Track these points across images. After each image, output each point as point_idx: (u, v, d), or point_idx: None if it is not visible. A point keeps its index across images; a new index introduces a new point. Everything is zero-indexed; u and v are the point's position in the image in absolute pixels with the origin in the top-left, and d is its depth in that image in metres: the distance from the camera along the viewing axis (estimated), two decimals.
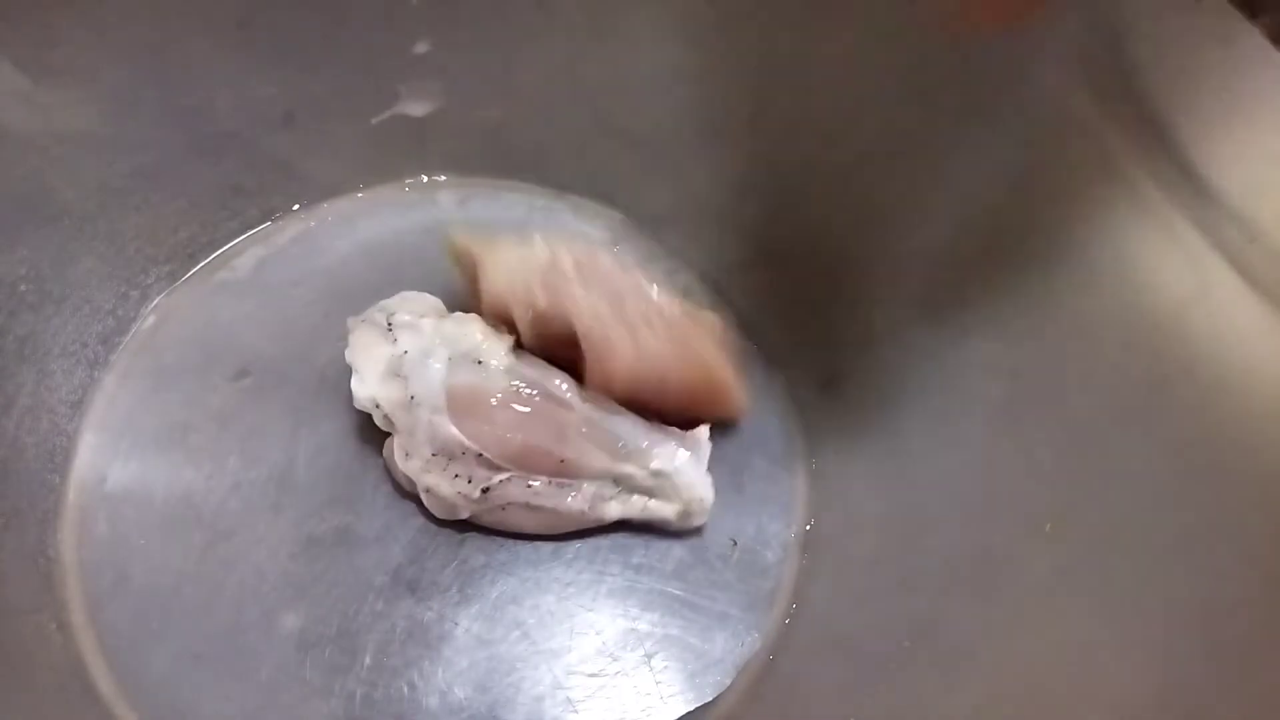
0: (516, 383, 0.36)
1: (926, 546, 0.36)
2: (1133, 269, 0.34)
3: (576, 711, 0.35)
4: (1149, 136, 0.33)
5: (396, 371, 0.36)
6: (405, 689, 0.35)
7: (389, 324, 0.37)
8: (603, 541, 0.38)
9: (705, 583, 0.38)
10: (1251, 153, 0.31)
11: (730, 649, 0.37)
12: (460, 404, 0.35)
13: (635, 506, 0.37)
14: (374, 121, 0.44)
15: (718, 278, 0.44)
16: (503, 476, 0.35)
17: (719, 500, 0.38)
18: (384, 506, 0.38)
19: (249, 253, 0.43)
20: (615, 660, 0.36)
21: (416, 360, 0.36)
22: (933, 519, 0.37)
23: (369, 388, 0.36)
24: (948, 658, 0.34)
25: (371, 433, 0.39)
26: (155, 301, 0.42)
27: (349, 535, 0.37)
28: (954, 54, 0.37)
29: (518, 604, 0.37)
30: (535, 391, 0.36)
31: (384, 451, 0.38)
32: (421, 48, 0.42)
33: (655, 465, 0.36)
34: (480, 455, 0.35)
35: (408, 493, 0.37)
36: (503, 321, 0.38)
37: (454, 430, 0.35)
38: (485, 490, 0.35)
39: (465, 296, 0.40)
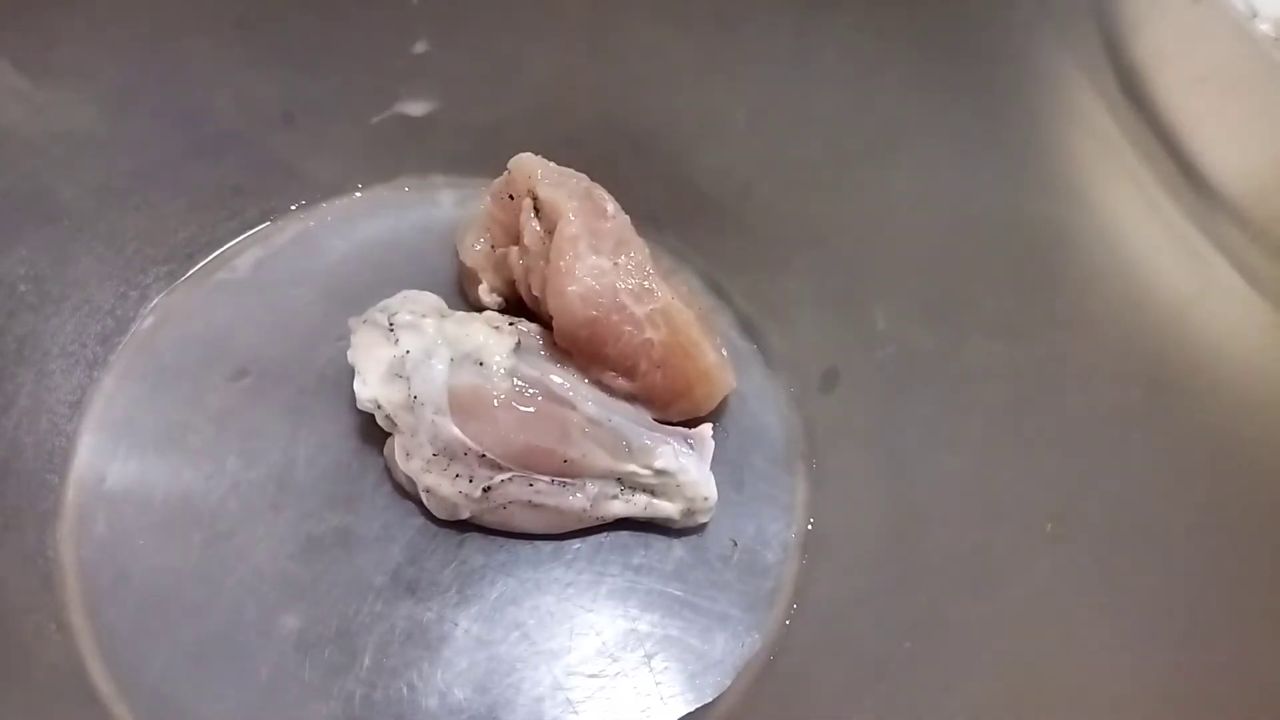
0: (519, 383, 0.36)
1: (926, 546, 0.36)
2: (1133, 269, 0.34)
3: (576, 712, 0.35)
4: (1149, 136, 0.33)
5: (398, 372, 0.36)
6: (405, 690, 0.35)
7: (390, 324, 0.36)
8: (603, 541, 0.38)
9: (705, 583, 0.38)
10: (1251, 153, 0.31)
11: (730, 649, 0.37)
12: (462, 405, 0.35)
13: (638, 505, 0.37)
14: (373, 121, 0.44)
15: (718, 278, 0.44)
16: (504, 476, 0.35)
17: (719, 500, 0.38)
18: (383, 507, 0.38)
19: (248, 253, 0.43)
20: (615, 661, 0.36)
21: (418, 361, 0.36)
22: (933, 519, 0.37)
23: (371, 389, 0.36)
24: (948, 658, 0.34)
25: (371, 433, 0.39)
26: (154, 302, 0.42)
27: (348, 535, 0.37)
28: (955, 54, 0.37)
29: (517, 605, 0.37)
30: (537, 391, 0.36)
31: (385, 451, 0.38)
32: (421, 48, 0.42)
33: (659, 464, 0.36)
34: (483, 456, 0.35)
35: (408, 493, 0.37)
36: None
37: (456, 431, 0.35)
38: (486, 489, 0.35)
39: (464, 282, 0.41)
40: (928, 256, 0.39)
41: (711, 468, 0.38)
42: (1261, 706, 0.28)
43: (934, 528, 0.36)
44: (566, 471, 0.36)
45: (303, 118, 0.43)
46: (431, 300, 0.38)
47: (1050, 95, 0.35)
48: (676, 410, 0.39)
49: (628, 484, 0.37)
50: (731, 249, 0.44)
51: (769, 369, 0.43)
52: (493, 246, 0.40)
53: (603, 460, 0.36)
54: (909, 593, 0.36)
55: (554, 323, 0.36)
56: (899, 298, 0.40)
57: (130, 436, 0.39)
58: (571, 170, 0.39)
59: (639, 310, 0.36)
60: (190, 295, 0.42)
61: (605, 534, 0.38)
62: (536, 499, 0.36)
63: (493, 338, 0.37)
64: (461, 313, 0.38)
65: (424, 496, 0.36)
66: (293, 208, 0.44)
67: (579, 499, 0.36)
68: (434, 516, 0.37)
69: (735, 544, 0.39)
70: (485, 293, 0.40)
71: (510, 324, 0.38)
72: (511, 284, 0.40)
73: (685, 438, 0.38)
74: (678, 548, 0.38)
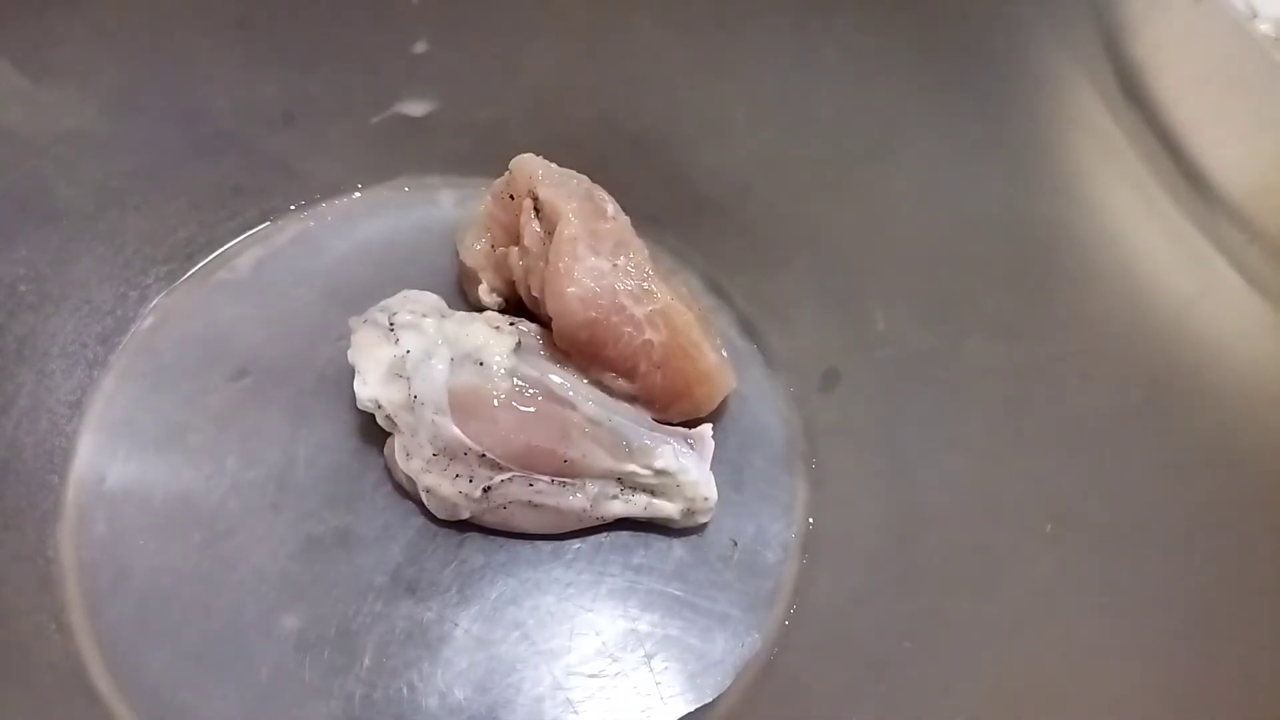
0: (519, 383, 0.36)
1: (926, 546, 0.36)
2: (1133, 269, 0.34)
3: (576, 712, 0.35)
4: (1149, 136, 0.33)
5: (399, 372, 0.36)
6: (404, 690, 0.35)
7: (391, 324, 0.36)
8: (603, 541, 0.38)
9: (705, 583, 0.38)
10: (1251, 153, 0.31)
11: (730, 649, 0.37)
12: (463, 404, 0.35)
13: (638, 505, 0.37)
14: (373, 121, 0.44)
15: (718, 278, 0.44)
16: (504, 476, 0.35)
17: (719, 500, 0.38)
18: (383, 507, 0.38)
19: (248, 253, 0.43)
20: (615, 661, 0.36)
21: (419, 361, 0.36)
22: (933, 519, 0.37)
23: (371, 388, 0.36)
24: (948, 658, 0.34)
25: (371, 433, 0.39)
26: (154, 302, 0.42)
27: (348, 536, 0.37)
28: (955, 54, 0.37)
29: (517, 605, 0.37)
30: (538, 391, 0.36)
31: (385, 451, 0.38)
32: (421, 47, 0.42)
33: (659, 464, 0.36)
34: (483, 455, 0.35)
35: (408, 493, 0.37)
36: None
37: (456, 431, 0.35)
38: (486, 489, 0.35)
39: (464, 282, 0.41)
40: (928, 256, 0.39)
41: (711, 468, 0.38)
42: (1262, 707, 0.28)
43: (934, 528, 0.36)
44: (567, 471, 0.36)
45: (303, 118, 0.43)
46: (432, 300, 0.38)
47: (1050, 95, 0.35)
48: (676, 411, 0.39)
49: (628, 484, 0.37)
50: (731, 249, 0.44)
51: (769, 369, 0.43)
52: (493, 246, 0.40)
53: (603, 460, 0.36)
54: (909, 593, 0.36)
55: (554, 324, 0.36)
56: (899, 298, 0.40)
57: (130, 436, 0.39)
58: (572, 171, 0.39)
59: (639, 311, 0.36)
60: (190, 295, 0.42)
61: (605, 534, 0.38)
62: (537, 499, 0.36)
63: (493, 338, 0.37)
64: (462, 313, 0.38)
65: (424, 496, 0.36)
66: (292, 208, 0.44)
67: (579, 499, 0.36)
68: (434, 516, 0.37)
69: (735, 544, 0.39)
70: (485, 293, 0.40)
71: (510, 324, 0.38)
72: (511, 284, 0.40)
73: (685, 438, 0.38)
74: (678, 548, 0.38)
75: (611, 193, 0.39)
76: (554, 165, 0.38)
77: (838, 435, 0.40)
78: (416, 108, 0.44)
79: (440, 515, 0.37)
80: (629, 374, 0.37)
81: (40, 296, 0.38)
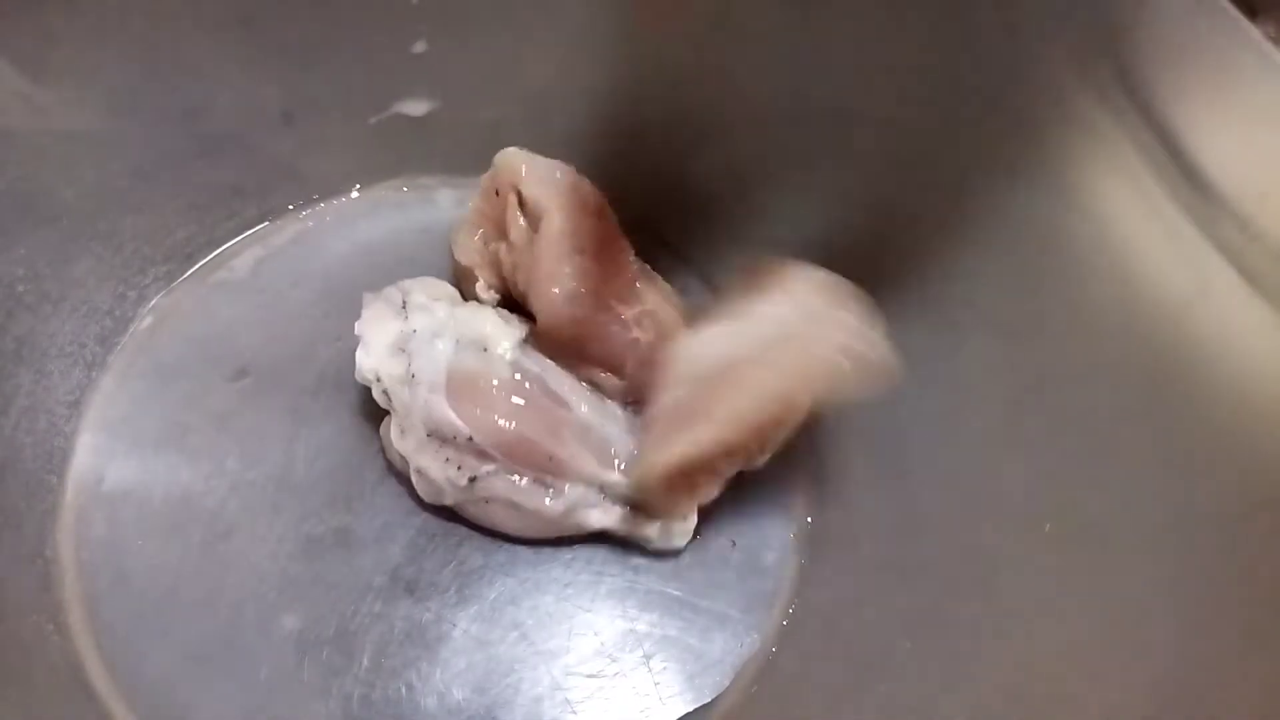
0: (518, 375, 0.36)
1: (926, 546, 0.36)
2: (1133, 269, 0.34)
3: (575, 712, 0.35)
4: (1149, 136, 0.33)
5: (402, 347, 0.36)
6: (403, 690, 0.35)
7: (404, 302, 0.37)
8: (601, 542, 0.38)
9: (704, 583, 0.38)
10: (1251, 153, 0.31)
11: (729, 649, 0.37)
12: (459, 387, 0.35)
13: (616, 518, 0.37)
14: (372, 121, 0.44)
15: (718, 278, 0.44)
16: (491, 468, 0.35)
17: (718, 500, 0.38)
18: (383, 507, 0.38)
19: (247, 253, 0.43)
20: (614, 661, 0.36)
21: (424, 339, 0.36)
22: (933, 519, 0.36)
23: (373, 359, 0.36)
24: (948, 658, 0.34)
25: (370, 433, 0.39)
26: (153, 302, 0.42)
27: (348, 536, 0.37)
28: (954, 53, 0.37)
29: (516, 605, 0.37)
30: (536, 386, 0.36)
31: (380, 430, 0.38)
32: (420, 47, 0.42)
33: None
34: (471, 440, 0.35)
35: (399, 472, 0.37)
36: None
37: (448, 411, 0.35)
38: (473, 479, 0.35)
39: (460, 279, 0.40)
40: (927, 256, 0.39)
41: None
42: (1261, 707, 0.27)
43: (934, 528, 0.36)
44: (551, 469, 0.36)
45: (302, 118, 0.43)
46: (448, 289, 0.39)
47: (1050, 94, 0.35)
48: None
49: (609, 494, 0.36)
50: (730, 249, 0.44)
51: None
52: (486, 243, 0.40)
53: (587, 464, 0.36)
54: (909, 593, 0.36)
55: (538, 322, 0.36)
56: (899, 297, 0.40)
57: (129, 437, 0.39)
58: (559, 162, 0.38)
59: (625, 311, 0.36)
60: (189, 295, 0.42)
61: (600, 537, 0.38)
62: (517, 498, 0.36)
63: (501, 328, 0.37)
64: (475, 303, 0.39)
65: (414, 477, 0.36)
66: (291, 208, 0.44)
67: (557, 503, 0.36)
68: (432, 513, 0.37)
69: (734, 544, 0.39)
70: (483, 289, 0.40)
71: (520, 321, 0.38)
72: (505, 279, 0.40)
73: None
74: None
75: (611, 193, 0.39)
76: (539, 157, 0.38)
77: (838, 435, 0.40)
78: (416, 108, 0.44)
79: (426, 498, 0.37)
80: (616, 371, 0.37)
81: (39, 296, 0.38)
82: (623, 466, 0.36)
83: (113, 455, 0.38)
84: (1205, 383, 0.32)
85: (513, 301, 0.40)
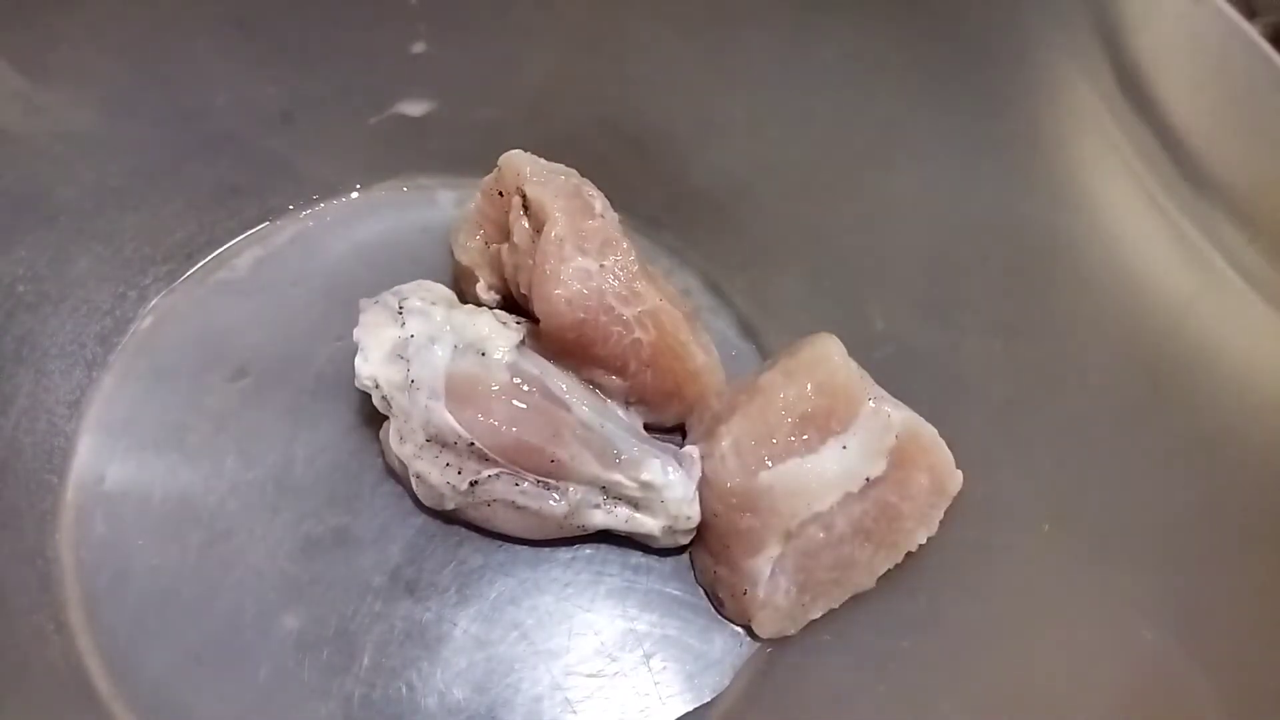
0: (517, 378, 0.36)
1: (926, 546, 0.36)
2: (1132, 268, 0.34)
3: (575, 712, 0.35)
4: (1149, 136, 0.33)
5: (400, 353, 0.36)
6: (403, 690, 0.35)
7: (400, 308, 0.37)
8: (602, 542, 0.38)
9: None
10: (1251, 153, 0.31)
11: (729, 649, 0.37)
12: (458, 392, 0.35)
13: (620, 518, 0.36)
14: (372, 121, 0.44)
15: (716, 278, 0.44)
16: (492, 471, 0.35)
17: None
18: (382, 507, 0.38)
19: (247, 253, 0.43)
20: (614, 661, 0.36)
21: (421, 345, 0.36)
22: None
23: (372, 366, 0.36)
24: (947, 658, 0.34)
25: (370, 433, 0.39)
26: (153, 302, 0.42)
27: (347, 536, 0.37)
28: (954, 53, 0.37)
29: (516, 605, 0.37)
30: (535, 389, 0.36)
31: (380, 434, 0.38)
32: (419, 48, 0.42)
33: (645, 477, 0.36)
34: (472, 445, 0.35)
35: (399, 477, 0.37)
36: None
37: (448, 417, 0.35)
38: (473, 483, 0.35)
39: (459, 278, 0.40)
40: (927, 256, 0.39)
41: None
42: (1261, 706, 0.27)
43: None
44: (554, 472, 0.36)
45: (302, 118, 0.43)
46: (444, 291, 0.39)
47: (1049, 95, 0.35)
48: (672, 413, 0.39)
49: (612, 494, 0.36)
50: (730, 249, 0.44)
51: None
52: (486, 244, 0.40)
53: (590, 465, 0.36)
54: (909, 592, 0.36)
55: (541, 325, 0.36)
56: (898, 298, 0.40)
57: (129, 437, 0.39)
58: (561, 166, 0.38)
59: (627, 312, 0.36)
60: (189, 295, 0.42)
61: (601, 537, 0.38)
62: (520, 499, 0.36)
63: (499, 331, 0.37)
64: (472, 305, 0.39)
65: (413, 482, 0.36)
66: (291, 208, 0.44)
67: (561, 505, 0.36)
68: (431, 514, 0.37)
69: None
70: (483, 290, 0.40)
71: (518, 322, 0.38)
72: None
73: (675, 455, 0.37)
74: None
75: (610, 193, 0.39)
76: (543, 161, 0.38)
77: None
78: (415, 108, 0.44)
79: (426, 503, 0.37)
80: (620, 372, 0.37)
81: (39, 296, 0.38)
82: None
83: (113, 455, 0.38)
84: (1205, 382, 0.32)
85: (513, 302, 0.40)
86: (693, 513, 0.36)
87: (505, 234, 0.38)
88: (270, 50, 0.41)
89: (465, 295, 0.41)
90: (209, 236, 0.43)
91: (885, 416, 0.35)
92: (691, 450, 0.37)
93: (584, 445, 0.36)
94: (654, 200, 0.44)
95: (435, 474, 0.35)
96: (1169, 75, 0.32)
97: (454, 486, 0.35)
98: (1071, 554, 0.33)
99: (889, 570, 0.36)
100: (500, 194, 0.39)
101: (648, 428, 0.39)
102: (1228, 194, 0.31)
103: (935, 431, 0.35)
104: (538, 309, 0.36)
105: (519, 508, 0.36)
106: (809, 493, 0.34)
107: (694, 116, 0.43)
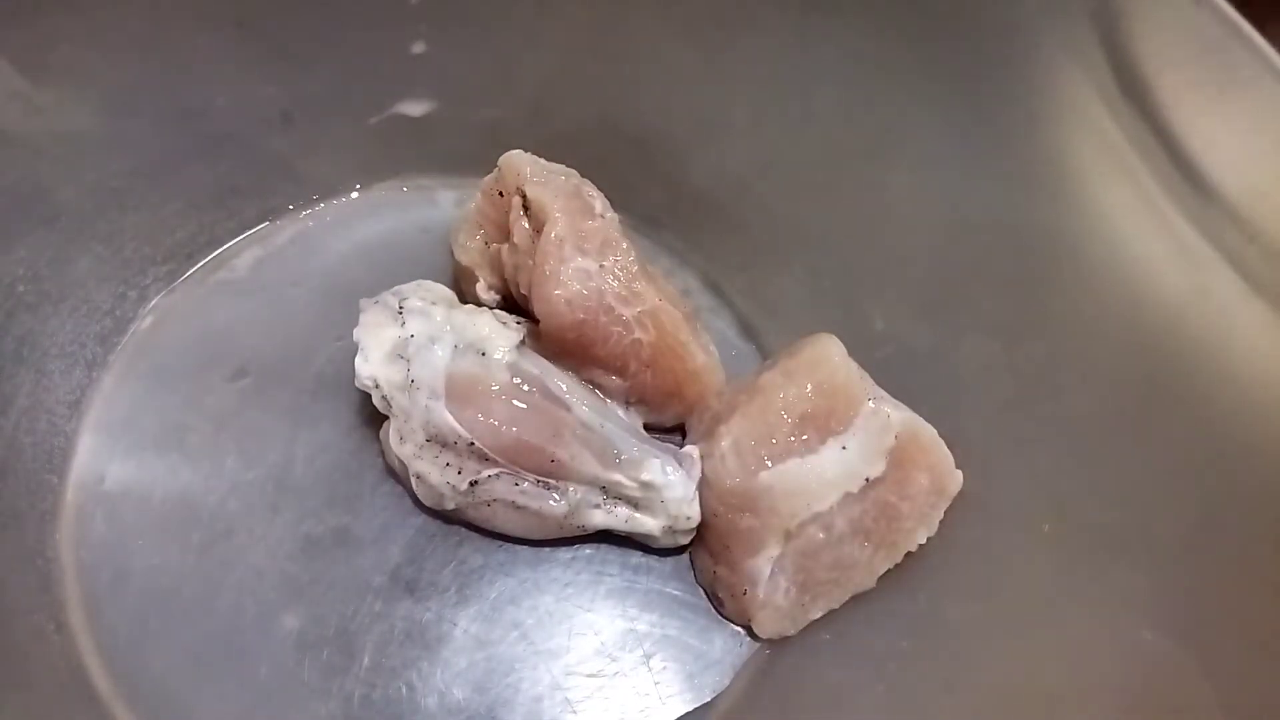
0: (517, 378, 0.36)
1: (926, 546, 0.36)
2: (1131, 268, 0.34)
3: (575, 712, 0.35)
4: (1148, 136, 0.33)
5: (400, 353, 0.36)
6: (404, 690, 0.35)
7: (400, 308, 0.37)
8: (602, 542, 0.38)
9: None
10: (1250, 153, 0.31)
11: (729, 649, 0.37)
12: (458, 392, 0.35)
13: (620, 518, 0.37)
14: (372, 122, 0.44)
15: (717, 278, 0.44)
16: (492, 471, 0.35)
17: None
18: (382, 507, 0.38)
19: (247, 253, 0.43)
20: (614, 661, 0.36)
21: (421, 345, 0.36)
22: None
23: (372, 366, 0.36)
24: (947, 658, 0.34)
25: (370, 433, 0.39)
26: (153, 302, 0.42)
27: (347, 536, 0.37)
28: (954, 54, 0.37)
29: (516, 605, 0.37)
30: (535, 389, 0.36)
31: (380, 434, 0.38)
32: (419, 48, 0.42)
33: (645, 477, 0.36)
34: (472, 445, 0.35)
35: (398, 477, 0.37)
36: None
37: (448, 417, 0.35)
38: (473, 483, 0.35)
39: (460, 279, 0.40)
40: (926, 257, 0.39)
41: None
42: (1261, 706, 0.28)
43: None
44: (553, 472, 0.36)
45: (302, 118, 0.43)
46: (444, 291, 0.39)
47: (1050, 95, 0.35)
48: (672, 413, 0.39)
49: (612, 493, 0.36)
50: (730, 249, 0.44)
51: None
52: (486, 244, 0.40)
53: (590, 465, 0.36)
54: (909, 592, 0.36)
55: (541, 326, 0.36)
56: (898, 298, 0.40)
57: (129, 437, 0.39)
58: (561, 167, 0.39)
59: (626, 312, 0.36)
60: (189, 295, 0.42)
61: (601, 538, 0.38)
62: (520, 500, 0.36)
63: (499, 331, 0.37)
64: (472, 305, 0.39)
65: (413, 483, 0.36)
66: (291, 208, 0.44)
67: (561, 505, 0.36)
68: (431, 514, 0.37)
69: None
70: (483, 290, 0.40)
71: (518, 322, 0.38)
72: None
73: (675, 455, 0.37)
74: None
75: (610, 193, 0.39)
76: (543, 161, 0.38)
77: None
78: (415, 108, 0.44)
79: (426, 503, 0.37)
80: (620, 372, 0.37)
81: (39, 297, 0.38)
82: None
83: (113, 455, 0.38)
84: (1203, 382, 0.32)
85: (513, 302, 0.40)
86: (693, 513, 0.36)
87: (505, 234, 0.38)
88: (270, 50, 0.41)
89: (465, 295, 0.41)
90: (209, 236, 0.43)
91: (885, 417, 0.35)
92: (691, 450, 0.37)
93: (584, 445, 0.36)
94: (654, 200, 0.44)
95: (435, 474, 0.35)
96: (1169, 75, 0.32)
97: (454, 486, 0.35)
98: (1071, 554, 0.33)
99: (889, 570, 0.36)
100: (500, 194, 0.39)
101: (648, 428, 0.39)
102: (1227, 194, 0.31)
103: (935, 432, 0.35)
104: (537, 309, 0.36)
105: (519, 508, 0.36)
106: (809, 493, 0.34)
107: (694, 116, 0.43)
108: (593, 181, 0.39)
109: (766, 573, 0.35)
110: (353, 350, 0.37)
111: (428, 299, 0.37)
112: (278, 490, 0.38)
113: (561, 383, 0.37)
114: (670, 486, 0.36)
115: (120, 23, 0.38)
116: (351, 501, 0.38)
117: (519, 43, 0.42)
